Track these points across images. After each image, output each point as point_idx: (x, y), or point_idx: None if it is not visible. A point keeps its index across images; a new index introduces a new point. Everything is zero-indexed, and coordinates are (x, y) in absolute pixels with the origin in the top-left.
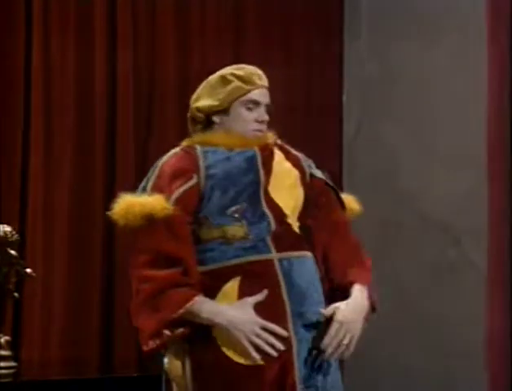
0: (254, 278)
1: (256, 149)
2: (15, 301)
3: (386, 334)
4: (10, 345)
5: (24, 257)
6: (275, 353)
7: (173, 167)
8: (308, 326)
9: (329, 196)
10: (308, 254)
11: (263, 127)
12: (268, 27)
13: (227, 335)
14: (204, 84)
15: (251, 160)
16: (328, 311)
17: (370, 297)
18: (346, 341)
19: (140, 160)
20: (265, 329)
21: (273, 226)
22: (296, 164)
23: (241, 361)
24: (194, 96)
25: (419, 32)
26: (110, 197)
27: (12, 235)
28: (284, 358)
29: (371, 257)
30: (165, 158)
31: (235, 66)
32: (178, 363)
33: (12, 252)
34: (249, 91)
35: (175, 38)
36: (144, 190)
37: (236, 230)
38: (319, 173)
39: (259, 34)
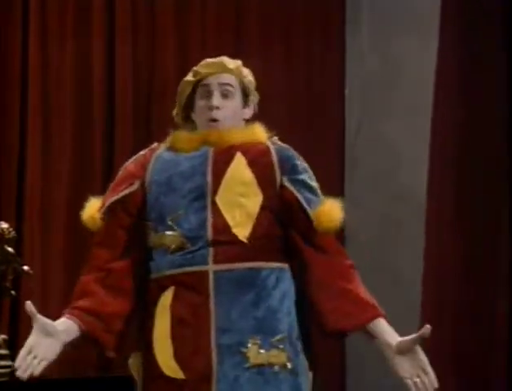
0: (186, 289)
1: (211, 152)
2: (13, 299)
3: None
4: (7, 344)
5: (21, 255)
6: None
7: (125, 171)
8: (232, 346)
9: (294, 210)
10: (273, 265)
11: (218, 114)
12: (269, 26)
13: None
14: None
15: (199, 164)
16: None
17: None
18: None
19: None
20: None
21: (213, 235)
22: (261, 170)
23: (168, 373)
24: None
25: (419, 31)
26: None
27: (9, 232)
28: (205, 372)
29: (371, 255)
30: (130, 160)
31: None
32: (135, 366)
33: (9, 249)
34: (195, 82)
35: (175, 38)
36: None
37: (172, 239)
38: (292, 185)
39: (260, 34)
